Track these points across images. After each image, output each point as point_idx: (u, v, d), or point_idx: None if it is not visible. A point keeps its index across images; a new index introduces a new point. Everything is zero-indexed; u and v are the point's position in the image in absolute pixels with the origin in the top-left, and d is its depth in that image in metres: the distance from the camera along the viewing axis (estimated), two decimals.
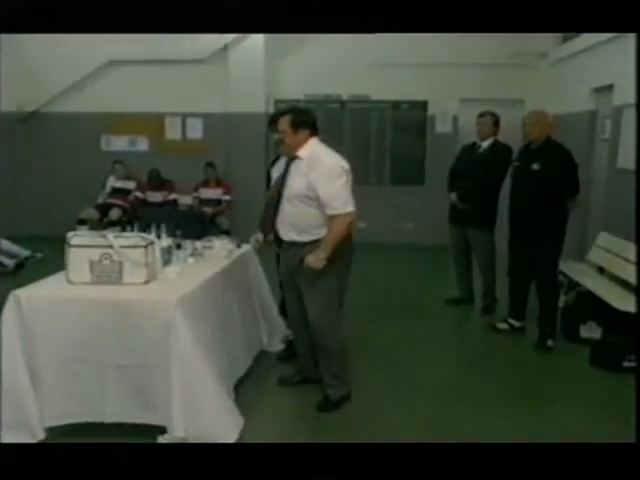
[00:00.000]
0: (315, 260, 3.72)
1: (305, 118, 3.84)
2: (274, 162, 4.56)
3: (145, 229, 4.38)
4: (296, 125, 3.77)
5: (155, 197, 9.36)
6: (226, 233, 7.72)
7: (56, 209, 9.51)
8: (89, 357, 3.33)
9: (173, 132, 10.05)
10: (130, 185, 9.48)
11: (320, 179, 3.69)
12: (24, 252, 7.87)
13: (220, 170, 9.40)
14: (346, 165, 3.81)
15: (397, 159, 9.94)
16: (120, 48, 9.31)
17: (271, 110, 9.78)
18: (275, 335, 4.94)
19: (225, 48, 9.53)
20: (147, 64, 9.58)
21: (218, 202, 9.16)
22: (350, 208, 3.75)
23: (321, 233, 3.79)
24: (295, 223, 3.84)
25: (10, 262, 7.55)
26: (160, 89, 9.64)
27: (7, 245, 7.83)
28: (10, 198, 9.86)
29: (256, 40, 9.39)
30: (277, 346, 4.91)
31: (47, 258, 7.89)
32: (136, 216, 8.88)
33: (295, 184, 3.79)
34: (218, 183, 9.30)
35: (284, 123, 3.78)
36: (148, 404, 3.33)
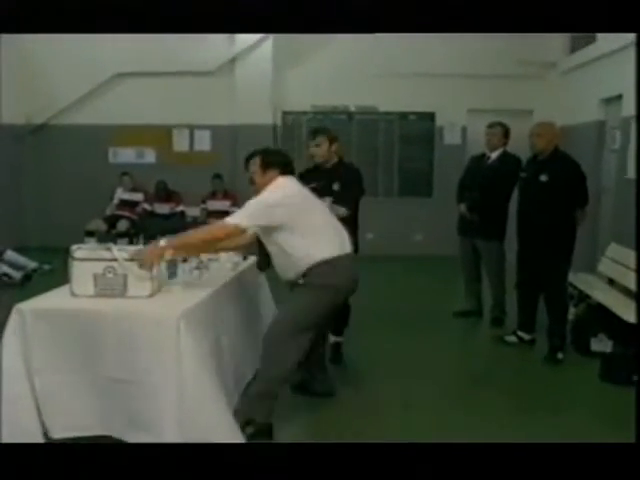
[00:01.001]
0: (150, 251, 3.56)
1: (274, 159, 3.81)
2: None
3: (150, 241, 4.36)
4: (265, 165, 3.75)
5: (162, 209, 9.36)
6: None
7: (64, 220, 9.51)
8: (92, 371, 3.30)
9: (181, 144, 10.06)
10: (138, 197, 9.49)
11: None
12: (31, 264, 7.87)
13: (228, 182, 9.40)
14: (294, 195, 3.69)
15: (405, 170, 9.93)
16: (128, 60, 9.39)
17: (279, 122, 9.82)
18: None
19: (233, 60, 9.57)
20: (155, 76, 9.62)
21: (226, 214, 9.10)
22: (241, 223, 3.54)
23: (302, 264, 3.64)
24: (278, 263, 3.81)
25: (17, 274, 7.53)
26: (168, 101, 9.67)
27: (14, 256, 7.82)
28: (18, 209, 9.91)
29: (263, 52, 9.44)
30: None
31: (55, 270, 7.89)
32: (142, 228, 8.92)
33: None
34: (226, 194, 9.30)
35: (254, 164, 3.78)
36: (146, 421, 3.28)
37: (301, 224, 3.60)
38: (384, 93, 9.62)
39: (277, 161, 3.79)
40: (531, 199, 5.15)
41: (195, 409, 3.22)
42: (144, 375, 3.24)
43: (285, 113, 9.79)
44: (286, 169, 3.81)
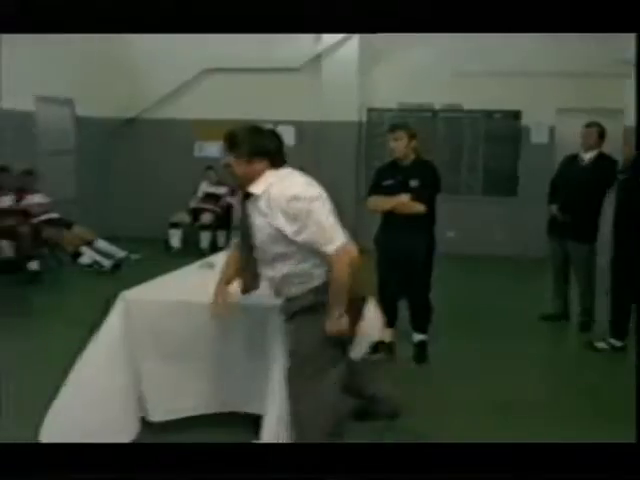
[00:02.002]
0: (334, 324, 2.81)
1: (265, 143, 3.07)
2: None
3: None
4: (253, 153, 3.03)
5: None
6: None
7: (150, 212, 9.78)
8: (194, 357, 3.42)
9: None
10: (222, 190, 9.65)
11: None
12: (121, 253, 8.11)
13: (312, 178, 9.43)
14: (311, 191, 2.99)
15: (489, 169, 9.77)
16: (215, 56, 9.56)
17: (364, 119, 9.81)
18: None
19: (319, 57, 9.62)
20: (241, 72, 9.76)
21: None
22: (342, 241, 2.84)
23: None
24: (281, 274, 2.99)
25: (107, 262, 7.79)
26: (253, 97, 9.77)
27: (105, 245, 8.09)
28: (108, 201, 10.25)
29: (349, 49, 9.45)
30: None
31: (143, 259, 8.15)
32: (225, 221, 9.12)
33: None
34: None
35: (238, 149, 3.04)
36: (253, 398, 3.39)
37: None
38: (469, 91, 9.48)
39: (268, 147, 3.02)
40: (630, 202, 5.00)
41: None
42: (242, 358, 3.38)
43: (370, 110, 9.78)
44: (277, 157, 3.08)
